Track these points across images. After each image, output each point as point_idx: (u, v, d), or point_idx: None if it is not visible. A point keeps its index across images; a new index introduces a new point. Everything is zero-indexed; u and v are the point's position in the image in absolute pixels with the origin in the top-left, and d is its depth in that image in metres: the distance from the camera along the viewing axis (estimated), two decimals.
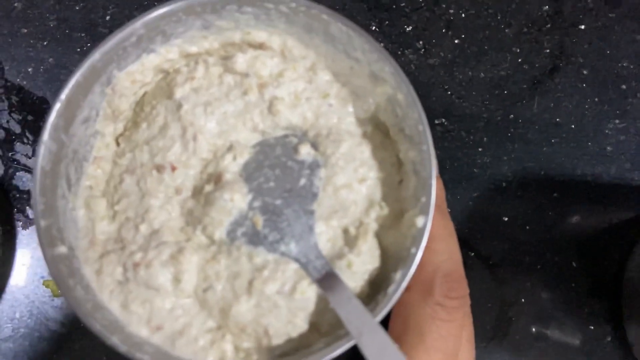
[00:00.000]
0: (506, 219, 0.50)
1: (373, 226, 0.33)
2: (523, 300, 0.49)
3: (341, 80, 0.35)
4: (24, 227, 0.50)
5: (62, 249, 0.30)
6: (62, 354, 0.48)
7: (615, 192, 0.50)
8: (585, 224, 0.49)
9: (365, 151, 0.35)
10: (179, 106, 0.34)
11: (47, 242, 0.29)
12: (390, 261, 0.33)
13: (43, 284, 0.49)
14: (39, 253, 0.49)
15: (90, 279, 0.31)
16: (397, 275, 0.29)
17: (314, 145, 0.35)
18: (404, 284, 0.28)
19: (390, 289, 0.29)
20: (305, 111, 0.35)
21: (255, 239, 0.33)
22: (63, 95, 0.30)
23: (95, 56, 0.31)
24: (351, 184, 0.33)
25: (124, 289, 0.32)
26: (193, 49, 0.35)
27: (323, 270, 0.31)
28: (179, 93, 0.34)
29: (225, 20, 0.34)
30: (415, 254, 0.29)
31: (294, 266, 0.32)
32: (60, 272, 0.29)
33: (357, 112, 0.35)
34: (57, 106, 0.30)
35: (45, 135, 0.29)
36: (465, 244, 0.49)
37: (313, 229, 0.33)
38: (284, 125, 0.35)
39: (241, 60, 0.34)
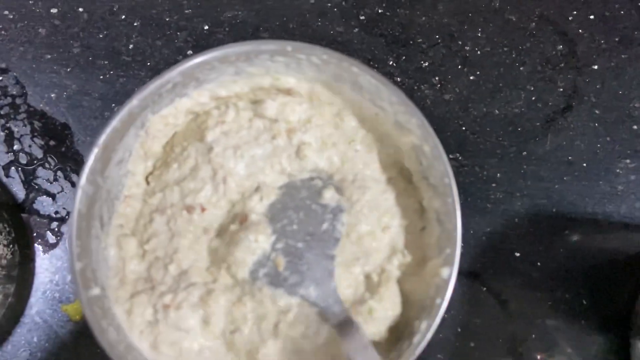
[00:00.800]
0: (518, 254, 0.51)
1: (395, 273, 0.34)
2: (534, 336, 0.49)
3: (367, 127, 0.36)
4: (44, 252, 0.51)
5: (96, 290, 0.31)
6: None
7: (626, 231, 0.51)
8: (596, 262, 0.50)
9: (389, 198, 0.36)
10: (210, 149, 0.35)
11: (83, 284, 0.30)
12: (412, 307, 0.34)
13: (61, 309, 0.50)
14: (57, 277, 0.50)
15: (121, 319, 0.32)
16: (423, 325, 0.30)
17: (339, 190, 0.36)
18: (429, 334, 0.29)
19: (416, 338, 0.30)
20: (332, 156, 0.36)
21: (276, 280, 0.34)
22: (101, 141, 0.31)
23: (134, 102, 0.32)
24: (374, 231, 0.34)
25: (154, 330, 0.33)
26: (223, 93, 0.36)
27: (341, 316, 0.32)
28: (210, 136, 0.35)
29: (257, 67, 0.35)
30: (440, 305, 0.30)
31: (317, 309, 0.33)
32: (95, 313, 0.30)
33: (382, 158, 0.36)
34: (95, 151, 0.31)
35: (83, 179, 0.30)
36: (477, 278, 0.50)
37: (333, 274, 0.34)
38: (310, 168, 0.36)
39: (271, 106, 0.35)
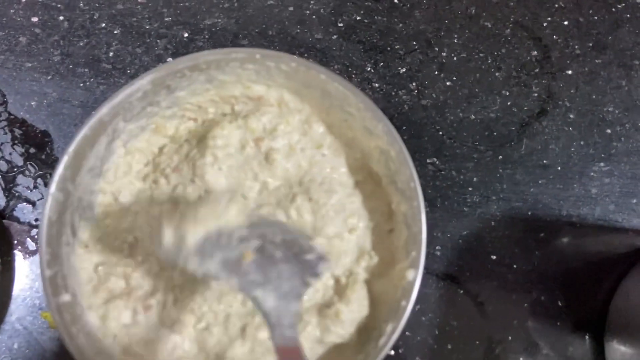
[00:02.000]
0: (494, 257, 0.51)
1: (363, 275, 0.34)
2: (510, 337, 0.50)
3: (335, 132, 0.37)
4: (24, 259, 0.51)
5: (67, 297, 0.31)
6: None
7: (600, 234, 0.52)
8: (571, 264, 0.51)
9: (355, 201, 0.36)
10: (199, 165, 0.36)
11: (52, 291, 0.30)
12: (382, 309, 0.34)
13: (41, 316, 0.50)
14: (37, 284, 0.50)
15: (94, 324, 0.33)
16: (388, 328, 0.30)
17: (308, 193, 0.36)
18: (395, 336, 0.30)
19: (382, 340, 0.30)
20: (299, 160, 0.37)
21: (234, 268, 0.32)
22: (71, 149, 0.31)
23: (103, 110, 0.32)
24: (342, 233, 0.35)
25: (129, 332, 0.33)
26: (194, 100, 0.37)
27: (290, 344, 0.30)
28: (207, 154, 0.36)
29: (228, 75, 0.35)
30: (405, 307, 0.30)
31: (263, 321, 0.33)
32: (64, 320, 0.30)
33: (350, 162, 0.37)
34: (65, 159, 0.31)
35: (53, 187, 0.31)
36: (454, 281, 0.51)
37: (301, 299, 0.32)
38: (280, 174, 0.36)
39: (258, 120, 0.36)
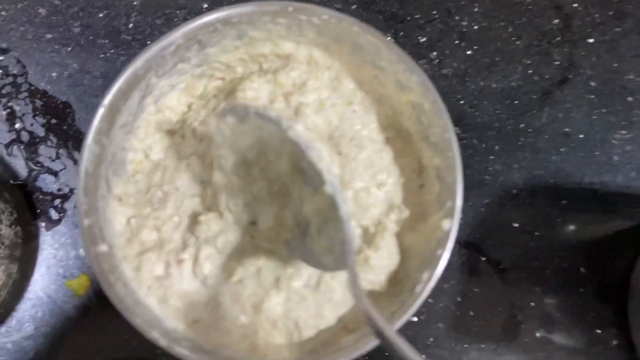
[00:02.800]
0: (516, 225, 0.51)
1: (392, 227, 0.34)
2: (532, 304, 0.50)
3: (365, 88, 0.37)
4: (47, 229, 0.51)
5: (104, 247, 0.31)
6: (82, 353, 0.49)
7: (622, 200, 0.52)
8: (593, 231, 0.51)
9: (385, 157, 0.36)
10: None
11: (90, 241, 0.30)
12: (413, 261, 0.34)
13: (65, 284, 0.50)
14: (61, 253, 0.50)
15: (128, 276, 0.33)
16: (424, 275, 0.30)
17: (337, 147, 0.36)
18: (432, 283, 0.30)
19: (418, 288, 0.30)
20: (329, 115, 0.36)
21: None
22: (106, 101, 0.32)
23: (138, 63, 0.32)
24: (369, 188, 0.35)
25: (164, 284, 0.33)
26: (223, 59, 0.37)
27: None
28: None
29: (259, 30, 0.35)
30: (441, 255, 0.30)
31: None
32: (102, 269, 0.30)
33: (380, 119, 0.37)
34: (100, 111, 0.31)
35: (89, 139, 0.31)
36: (476, 249, 0.51)
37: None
38: (310, 128, 0.36)
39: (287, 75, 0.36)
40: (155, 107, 0.36)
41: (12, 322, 0.49)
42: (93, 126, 0.31)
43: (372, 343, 0.30)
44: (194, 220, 0.36)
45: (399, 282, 0.34)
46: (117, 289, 0.31)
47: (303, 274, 0.33)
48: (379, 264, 0.33)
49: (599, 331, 0.50)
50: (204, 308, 0.34)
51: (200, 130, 0.36)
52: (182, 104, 0.38)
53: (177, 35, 0.33)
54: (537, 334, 0.50)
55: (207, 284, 0.34)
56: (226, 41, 0.36)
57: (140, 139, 0.36)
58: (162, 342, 0.29)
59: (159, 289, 0.34)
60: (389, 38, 0.54)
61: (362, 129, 0.36)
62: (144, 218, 0.35)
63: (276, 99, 0.36)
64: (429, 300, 0.50)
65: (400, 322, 0.30)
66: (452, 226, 0.31)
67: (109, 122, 0.32)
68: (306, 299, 0.33)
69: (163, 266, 0.34)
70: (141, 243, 0.34)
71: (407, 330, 0.49)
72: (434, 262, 0.30)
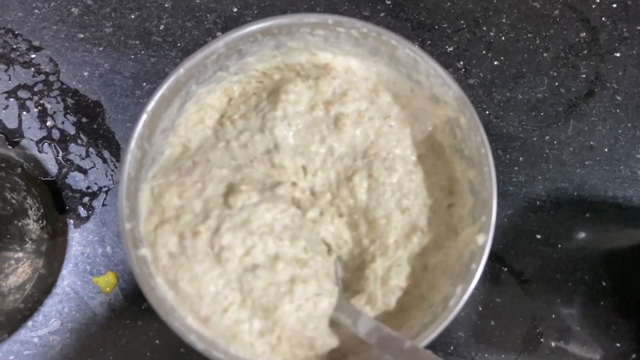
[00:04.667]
0: (539, 236, 0.52)
1: (412, 248, 0.35)
2: (553, 316, 0.50)
3: (401, 102, 0.37)
4: (75, 226, 0.52)
5: (144, 251, 0.32)
6: (107, 349, 0.50)
7: None
8: (616, 245, 0.51)
9: (415, 180, 0.37)
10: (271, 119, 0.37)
11: (131, 245, 0.31)
12: (442, 277, 0.35)
13: (92, 281, 0.51)
14: (88, 250, 0.51)
15: (147, 257, 0.33)
16: (458, 289, 0.31)
17: (369, 169, 0.37)
18: (465, 297, 0.30)
19: (452, 301, 0.31)
20: (367, 129, 0.37)
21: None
22: (149, 107, 0.32)
23: (180, 71, 0.33)
24: (390, 214, 0.36)
25: (176, 263, 0.34)
26: (260, 67, 0.37)
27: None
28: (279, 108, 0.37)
29: (297, 41, 0.36)
30: (476, 270, 0.31)
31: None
32: (143, 273, 0.31)
33: (415, 135, 0.37)
34: (143, 117, 0.32)
35: (133, 144, 0.31)
36: (498, 259, 0.51)
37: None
38: (348, 140, 0.37)
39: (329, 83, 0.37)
40: (196, 107, 0.36)
41: (39, 316, 0.50)
42: (136, 132, 0.32)
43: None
44: (228, 189, 0.36)
45: (422, 299, 0.35)
46: (157, 293, 0.31)
47: (315, 280, 0.34)
48: (391, 284, 0.35)
49: (618, 345, 0.50)
50: (212, 300, 0.33)
51: (240, 124, 0.37)
52: (223, 102, 0.38)
53: (219, 44, 0.33)
54: (557, 346, 0.50)
55: (221, 260, 0.34)
56: (264, 51, 0.36)
57: (180, 135, 0.36)
58: (199, 346, 0.30)
59: (171, 269, 0.33)
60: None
61: (396, 147, 0.37)
62: (168, 185, 0.35)
63: (316, 106, 0.36)
64: None
65: (434, 334, 0.31)
66: (487, 241, 0.31)
67: (150, 128, 0.33)
68: (318, 317, 0.34)
69: (177, 239, 0.34)
70: (161, 211, 0.34)
71: None
72: (468, 276, 0.31)
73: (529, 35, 0.55)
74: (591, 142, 0.53)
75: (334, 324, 0.35)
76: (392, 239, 0.36)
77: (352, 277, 0.37)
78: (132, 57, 0.55)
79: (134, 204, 0.32)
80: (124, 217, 0.31)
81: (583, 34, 0.55)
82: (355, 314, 0.34)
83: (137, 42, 0.55)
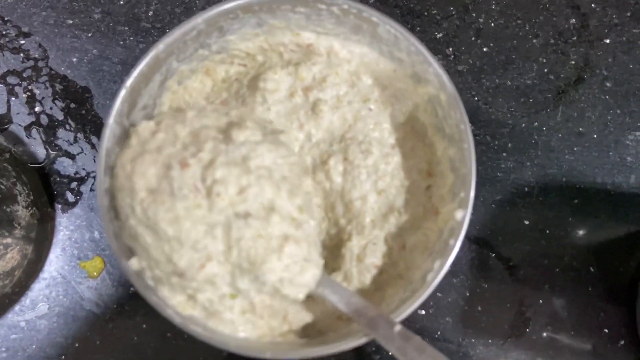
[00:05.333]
0: (527, 222, 0.52)
1: (388, 228, 0.35)
2: (540, 301, 0.50)
3: (382, 84, 0.37)
4: (63, 211, 0.52)
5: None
6: (94, 333, 0.50)
7: (634, 201, 0.52)
8: (604, 231, 0.51)
9: (391, 162, 0.37)
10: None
11: (108, 219, 0.31)
12: (420, 256, 0.35)
13: (80, 266, 0.51)
14: (76, 235, 0.51)
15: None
16: (436, 264, 0.31)
17: (345, 152, 0.37)
18: (443, 271, 0.30)
19: (430, 275, 0.31)
20: (345, 113, 0.37)
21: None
22: (128, 83, 0.32)
23: (160, 47, 0.33)
24: (366, 195, 0.36)
25: (156, 199, 0.31)
26: (243, 47, 0.37)
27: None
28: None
29: (279, 19, 0.36)
30: (453, 245, 0.31)
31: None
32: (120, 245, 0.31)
33: (396, 116, 0.37)
34: (122, 93, 0.32)
35: (111, 119, 0.31)
36: (486, 245, 0.51)
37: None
38: (325, 127, 0.37)
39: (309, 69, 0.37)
40: (178, 86, 0.36)
41: (26, 301, 0.50)
42: (115, 107, 0.32)
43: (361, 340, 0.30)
44: (228, 125, 0.33)
45: (400, 277, 0.35)
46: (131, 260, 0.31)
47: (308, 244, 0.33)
48: (367, 262, 0.35)
49: (606, 330, 0.50)
50: (192, 249, 0.31)
51: (221, 109, 0.37)
52: (205, 86, 0.38)
53: (198, 20, 0.33)
54: (545, 332, 0.50)
55: (211, 195, 0.31)
56: (246, 29, 0.36)
57: (163, 113, 0.36)
58: (177, 319, 0.30)
59: (150, 205, 0.30)
60: None
61: (374, 130, 0.37)
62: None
63: (295, 93, 0.36)
64: (438, 294, 0.50)
65: (411, 309, 0.31)
66: (465, 216, 0.31)
67: (130, 104, 0.33)
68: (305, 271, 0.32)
69: (159, 170, 0.31)
70: (142, 143, 0.32)
71: (415, 324, 0.50)
72: (446, 251, 0.31)
73: (519, 21, 0.55)
74: (580, 129, 0.53)
75: (308, 300, 0.35)
76: (369, 218, 0.36)
77: (329, 256, 0.37)
78: (121, 43, 0.55)
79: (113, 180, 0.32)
80: (102, 191, 0.31)
81: (573, 21, 0.55)
82: (342, 292, 0.33)
83: (126, 28, 0.55)
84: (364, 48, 0.36)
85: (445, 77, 0.33)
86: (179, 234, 0.31)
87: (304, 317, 0.34)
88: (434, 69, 0.33)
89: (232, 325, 0.33)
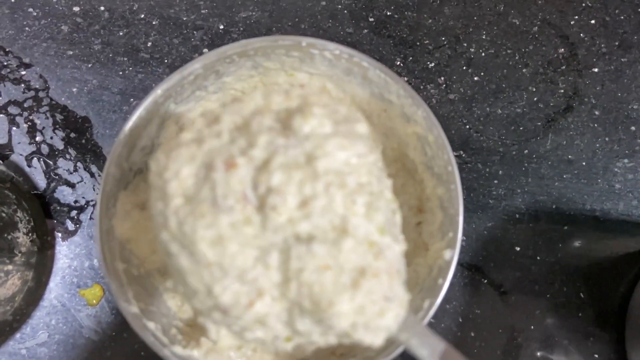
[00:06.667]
0: (518, 248, 0.53)
1: None
2: (532, 327, 0.51)
3: (373, 122, 0.38)
4: (63, 239, 0.53)
5: (121, 265, 0.33)
6: None
7: (622, 228, 0.53)
8: (594, 257, 0.52)
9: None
10: None
11: (110, 258, 0.32)
12: (412, 291, 0.35)
13: (79, 293, 0.52)
14: (76, 263, 0.52)
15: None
16: (426, 303, 0.32)
17: None
18: (432, 311, 0.31)
19: (420, 314, 0.31)
20: None
21: None
22: (127, 127, 0.33)
23: (158, 92, 0.34)
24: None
25: (195, 210, 0.25)
26: (239, 86, 0.38)
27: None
28: None
29: (273, 62, 0.37)
30: (442, 285, 0.32)
31: None
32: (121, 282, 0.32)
33: (387, 153, 0.38)
34: (122, 137, 0.33)
35: (111, 164, 0.32)
36: (478, 270, 0.52)
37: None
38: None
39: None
40: (175, 127, 0.37)
41: (26, 328, 0.51)
42: (114, 152, 0.33)
43: None
44: (287, 112, 0.27)
45: None
46: (131, 310, 0.32)
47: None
48: None
49: (596, 356, 0.51)
50: (239, 279, 0.25)
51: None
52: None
53: (196, 66, 0.35)
54: (536, 356, 0.51)
55: (265, 209, 0.24)
56: (242, 71, 0.37)
57: (164, 150, 0.37)
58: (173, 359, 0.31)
59: (187, 217, 0.24)
60: (398, 62, 0.56)
61: None
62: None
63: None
64: (431, 320, 0.51)
65: (399, 349, 0.32)
66: (453, 256, 0.32)
67: (129, 147, 0.34)
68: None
69: (198, 169, 0.24)
70: (172, 137, 0.27)
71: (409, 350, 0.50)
72: (435, 291, 0.32)
73: (509, 51, 0.56)
74: (569, 156, 0.54)
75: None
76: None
77: None
78: (120, 73, 0.56)
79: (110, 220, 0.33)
80: (100, 234, 0.32)
81: (561, 50, 0.56)
82: (433, 343, 0.28)
83: (125, 59, 0.56)
84: (356, 89, 0.38)
85: (433, 119, 0.34)
86: (222, 260, 0.25)
87: (297, 353, 0.35)
88: (423, 110, 0.34)
89: None
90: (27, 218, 0.53)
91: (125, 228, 0.34)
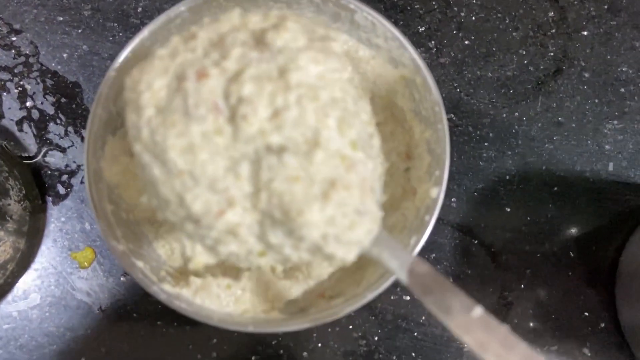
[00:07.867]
0: (508, 209, 0.53)
1: None
2: (522, 286, 0.52)
3: (362, 70, 0.38)
4: (54, 203, 0.53)
5: (111, 206, 0.33)
6: (85, 322, 0.51)
7: (612, 188, 0.53)
8: (583, 217, 0.52)
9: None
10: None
11: (97, 199, 0.32)
12: (400, 235, 0.36)
13: (71, 256, 0.52)
14: (67, 227, 0.52)
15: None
16: (412, 240, 0.32)
17: None
18: (418, 248, 0.31)
19: (407, 250, 0.32)
20: None
21: None
22: (114, 67, 0.33)
23: (145, 33, 0.34)
24: None
25: (166, 120, 0.25)
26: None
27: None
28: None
29: (261, 7, 0.37)
30: (429, 221, 0.32)
31: None
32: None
33: (375, 101, 0.38)
34: (108, 78, 0.33)
35: (98, 106, 0.32)
36: (469, 232, 0.52)
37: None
38: None
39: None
40: None
41: (18, 291, 0.51)
42: (101, 92, 0.33)
43: (355, 306, 0.31)
44: (262, 30, 0.27)
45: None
46: (119, 247, 0.32)
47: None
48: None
49: (587, 314, 0.51)
50: (209, 188, 0.25)
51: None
52: None
53: (182, 8, 0.35)
54: (527, 315, 0.51)
55: (236, 118, 0.24)
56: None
57: None
58: (162, 296, 0.31)
59: (159, 127, 0.24)
60: None
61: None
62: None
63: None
64: None
65: (385, 285, 0.32)
66: (440, 192, 0.32)
67: (116, 90, 0.34)
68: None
69: (170, 81, 0.25)
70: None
71: (400, 309, 0.51)
72: (422, 227, 0.32)
73: (499, 15, 0.57)
74: (559, 118, 0.54)
75: (291, 278, 0.36)
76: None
77: None
78: (110, 39, 0.56)
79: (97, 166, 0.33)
80: (90, 176, 0.32)
81: (551, 14, 0.56)
82: (404, 257, 0.27)
83: (115, 25, 0.56)
84: (344, 35, 0.38)
85: (420, 61, 0.34)
86: (193, 168, 0.25)
87: (286, 295, 0.35)
88: (410, 53, 0.34)
89: (218, 300, 0.34)
90: (19, 185, 0.53)
91: (114, 172, 0.34)
